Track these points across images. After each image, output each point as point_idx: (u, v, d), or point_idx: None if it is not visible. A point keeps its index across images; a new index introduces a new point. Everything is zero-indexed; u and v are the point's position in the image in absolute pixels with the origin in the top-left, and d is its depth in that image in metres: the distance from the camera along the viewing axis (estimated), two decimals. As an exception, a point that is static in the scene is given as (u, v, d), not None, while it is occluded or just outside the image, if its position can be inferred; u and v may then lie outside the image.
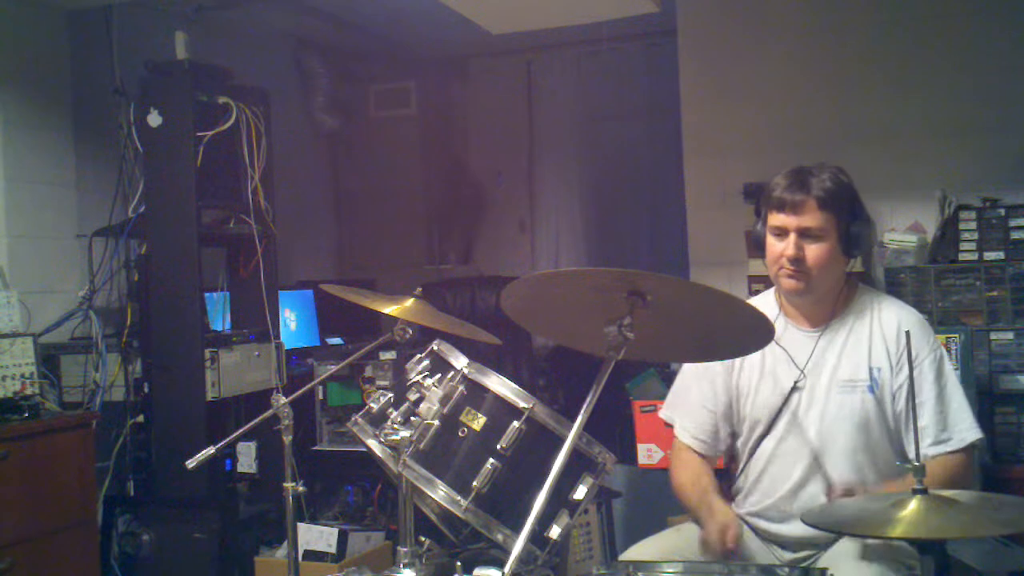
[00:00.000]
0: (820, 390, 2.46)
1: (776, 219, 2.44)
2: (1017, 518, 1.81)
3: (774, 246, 2.46)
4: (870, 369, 2.43)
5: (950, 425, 2.39)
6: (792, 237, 2.41)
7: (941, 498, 1.83)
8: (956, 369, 3.53)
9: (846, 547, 2.35)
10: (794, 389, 2.47)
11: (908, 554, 2.28)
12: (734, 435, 2.62)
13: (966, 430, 2.39)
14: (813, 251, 2.40)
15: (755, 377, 2.54)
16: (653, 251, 5.93)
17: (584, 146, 6.19)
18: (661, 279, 1.88)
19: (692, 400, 2.65)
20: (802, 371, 2.47)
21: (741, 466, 2.59)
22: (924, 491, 1.82)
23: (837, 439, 2.43)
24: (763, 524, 2.54)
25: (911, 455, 1.91)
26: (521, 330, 4.86)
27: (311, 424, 4.53)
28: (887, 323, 2.46)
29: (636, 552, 2.45)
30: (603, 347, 1.93)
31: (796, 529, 2.42)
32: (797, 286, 2.44)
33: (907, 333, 2.11)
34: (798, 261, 2.41)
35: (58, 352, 4.15)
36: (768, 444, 2.51)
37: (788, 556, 2.50)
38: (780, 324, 2.49)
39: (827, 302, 2.50)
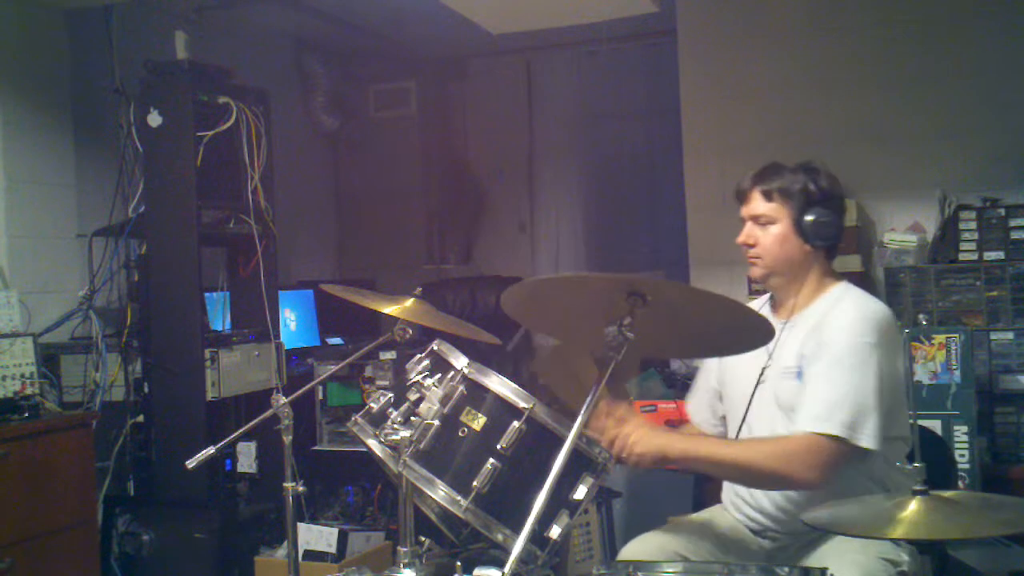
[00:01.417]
0: (773, 379, 2.49)
1: (740, 211, 2.57)
2: (1017, 518, 1.81)
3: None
4: (801, 356, 2.43)
5: (826, 409, 2.31)
6: (747, 225, 2.54)
7: (941, 498, 1.83)
8: (956, 380, 3.53)
9: (833, 544, 2.36)
10: (759, 381, 2.51)
11: (893, 549, 2.28)
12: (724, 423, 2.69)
13: (835, 421, 2.29)
14: (763, 236, 2.51)
15: (736, 368, 2.59)
16: (653, 251, 5.93)
17: (584, 146, 6.19)
18: (662, 284, 1.89)
19: (700, 383, 2.77)
20: (769, 358, 2.48)
21: None
22: (924, 492, 1.82)
23: (768, 427, 2.46)
24: (743, 514, 2.57)
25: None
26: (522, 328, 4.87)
27: (311, 424, 4.52)
28: (838, 314, 2.44)
29: (633, 548, 2.47)
30: (603, 347, 1.93)
31: (764, 517, 2.48)
32: (753, 271, 2.56)
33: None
34: (750, 247, 2.53)
35: (58, 352, 4.15)
36: (744, 433, 2.55)
37: (767, 545, 2.52)
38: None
39: (793, 292, 2.54)
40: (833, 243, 2.52)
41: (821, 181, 2.48)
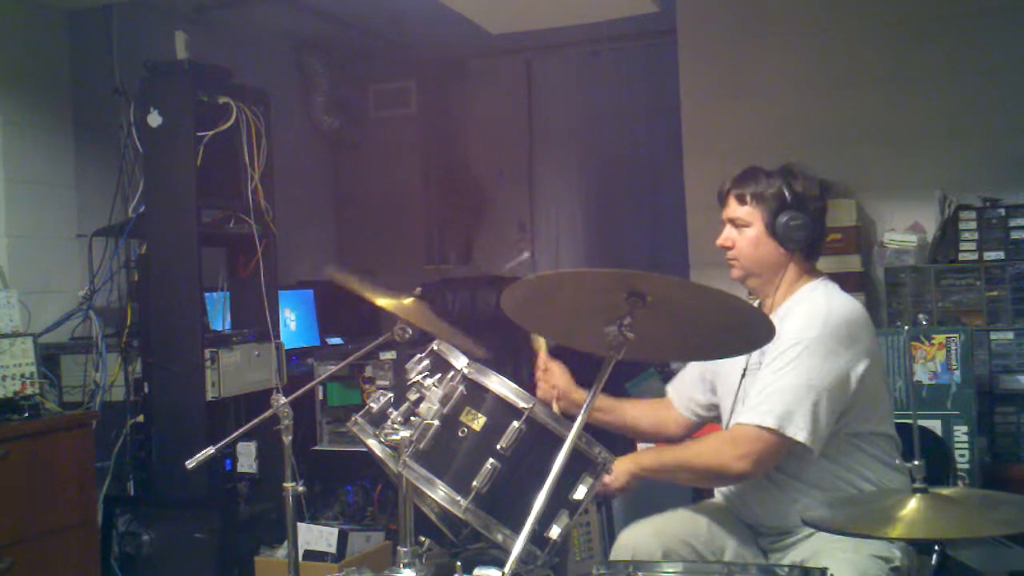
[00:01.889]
0: (748, 376, 2.52)
1: (722, 214, 2.62)
2: (1017, 518, 1.81)
3: None
4: (762, 352, 2.46)
5: (760, 401, 2.38)
6: (726, 227, 2.59)
7: (941, 497, 1.83)
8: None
9: (826, 540, 2.35)
10: (743, 378, 2.54)
11: (885, 546, 2.29)
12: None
13: (766, 412, 2.34)
14: (740, 239, 2.56)
15: (728, 366, 2.61)
16: (653, 251, 5.93)
17: (584, 146, 6.19)
18: (661, 280, 1.89)
19: (688, 370, 2.81)
20: (749, 357, 2.51)
21: None
22: (924, 490, 1.82)
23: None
24: (735, 506, 2.59)
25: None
26: (521, 330, 4.85)
27: (311, 424, 4.53)
28: (797, 311, 2.48)
29: (631, 534, 2.53)
30: (603, 346, 1.93)
31: (752, 511, 2.52)
32: (732, 272, 2.61)
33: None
34: (728, 249, 2.58)
35: (58, 352, 4.14)
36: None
37: (761, 539, 2.54)
38: None
39: (770, 292, 2.58)
40: (808, 245, 2.53)
41: (796, 185, 2.51)
